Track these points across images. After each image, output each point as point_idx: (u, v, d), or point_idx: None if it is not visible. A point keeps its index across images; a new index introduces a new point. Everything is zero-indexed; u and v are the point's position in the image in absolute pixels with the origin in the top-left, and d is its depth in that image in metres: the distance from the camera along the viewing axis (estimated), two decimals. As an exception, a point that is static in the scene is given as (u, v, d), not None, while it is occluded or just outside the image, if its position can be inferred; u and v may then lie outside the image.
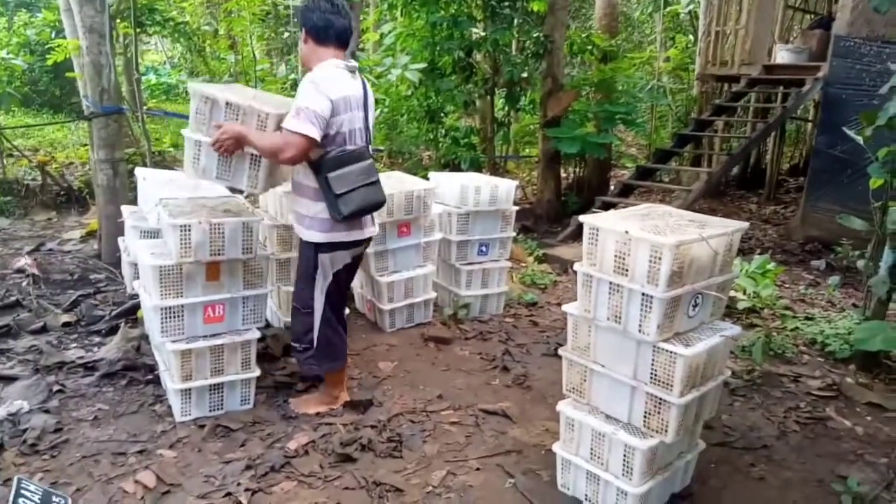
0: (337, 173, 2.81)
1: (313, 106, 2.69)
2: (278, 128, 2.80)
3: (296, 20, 3.16)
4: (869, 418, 3.39)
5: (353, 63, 2.93)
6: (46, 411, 3.06)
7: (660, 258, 2.21)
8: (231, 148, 2.79)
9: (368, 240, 3.14)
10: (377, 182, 2.95)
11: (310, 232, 2.96)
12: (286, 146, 2.71)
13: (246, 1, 7.08)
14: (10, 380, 3.32)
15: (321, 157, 2.82)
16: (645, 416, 2.42)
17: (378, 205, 2.98)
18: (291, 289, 3.78)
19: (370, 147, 3.01)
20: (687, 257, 2.28)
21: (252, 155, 2.88)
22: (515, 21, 7.03)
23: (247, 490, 2.58)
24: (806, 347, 4.25)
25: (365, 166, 2.89)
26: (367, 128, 2.95)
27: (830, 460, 3.00)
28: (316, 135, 2.71)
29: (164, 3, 8.20)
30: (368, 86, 2.99)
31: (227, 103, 2.81)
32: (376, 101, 6.69)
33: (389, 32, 7.09)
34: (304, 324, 3.07)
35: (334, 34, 2.84)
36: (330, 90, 2.74)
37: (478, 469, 2.83)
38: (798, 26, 10.31)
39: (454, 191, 4.46)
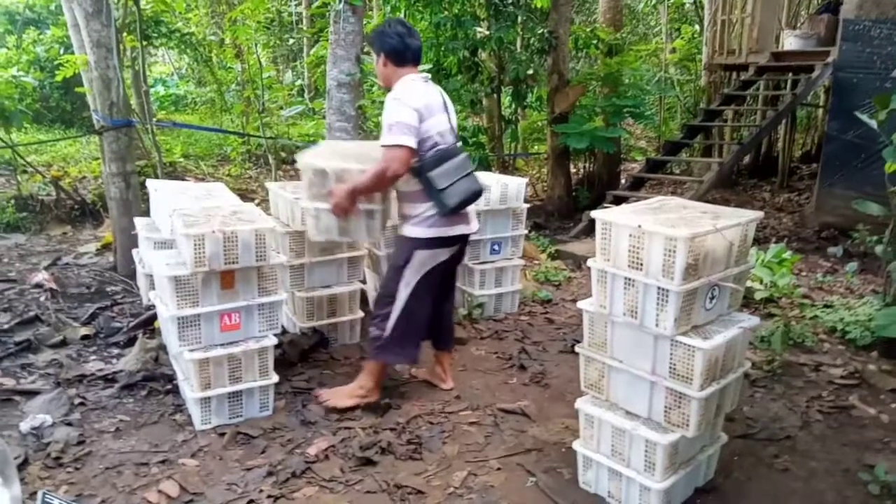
0: (437, 171, 2.99)
1: (402, 119, 2.91)
2: None
3: (370, 44, 3.31)
4: (894, 405, 3.35)
5: (427, 75, 3.16)
6: (69, 424, 3.08)
7: (674, 251, 2.20)
8: (348, 207, 3.07)
9: (467, 238, 3.26)
10: (473, 173, 3.11)
11: (414, 228, 3.10)
12: (389, 162, 2.92)
13: (250, 9, 7.12)
14: (33, 394, 3.35)
15: (420, 161, 3.01)
16: (665, 411, 2.41)
17: (478, 193, 3.12)
18: (305, 294, 3.80)
19: (458, 144, 3.20)
20: (702, 249, 2.26)
21: (366, 210, 3.16)
22: (519, 18, 7.02)
23: (269, 497, 2.59)
24: (826, 335, 4.21)
25: (460, 161, 3.07)
26: (452, 128, 3.15)
27: (856, 449, 2.96)
28: (412, 143, 2.92)
29: (169, 14, 8.27)
30: (443, 92, 3.22)
31: (333, 171, 3.10)
32: (381, 104, 6.71)
33: (394, 35, 7.09)
34: (384, 311, 3.18)
35: (411, 56, 3.09)
36: (413, 101, 2.95)
37: (498, 469, 2.82)
38: (805, 12, 10.20)
39: (464, 191, 4.44)
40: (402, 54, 3.06)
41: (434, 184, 2.98)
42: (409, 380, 3.63)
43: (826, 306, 4.62)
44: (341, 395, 3.29)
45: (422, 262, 3.11)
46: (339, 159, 3.19)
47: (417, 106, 2.95)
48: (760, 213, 2.58)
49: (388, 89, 3.13)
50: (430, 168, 2.99)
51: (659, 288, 2.27)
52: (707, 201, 3.50)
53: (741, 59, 8.06)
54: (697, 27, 11.22)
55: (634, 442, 2.46)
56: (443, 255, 3.14)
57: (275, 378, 3.20)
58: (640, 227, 2.28)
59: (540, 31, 7.10)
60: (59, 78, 6.08)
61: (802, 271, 5.56)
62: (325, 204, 3.13)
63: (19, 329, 4.13)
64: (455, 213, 3.06)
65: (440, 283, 3.25)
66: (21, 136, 8.85)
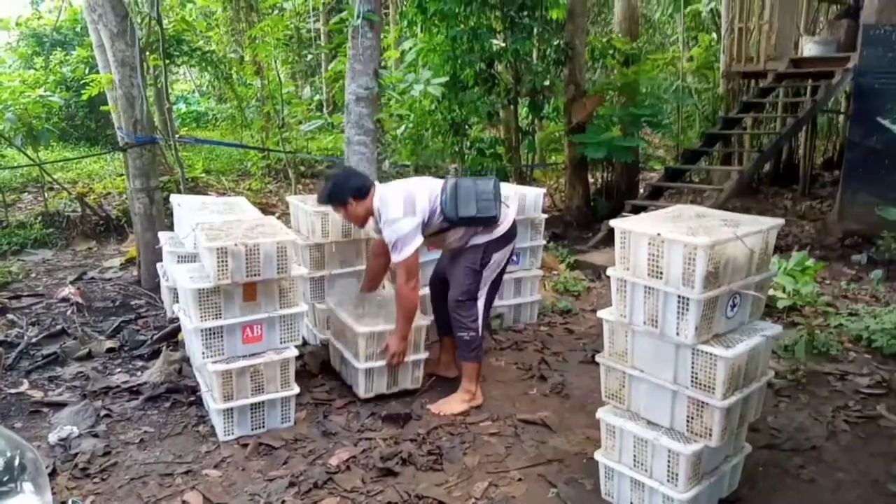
0: (460, 211, 3.24)
1: (403, 232, 3.16)
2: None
3: (332, 205, 3.55)
4: (922, 415, 3.28)
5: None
6: (95, 435, 3.13)
7: (694, 259, 2.19)
8: (405, 350, 3.41)
9: (514, 235, 3.49)
10: (475, 181, 3.36)
11: (483, 236, 3.35)
12: (410, 274, 3.22)
13: (270, 27, 7.24)
14: (60, 406, 3.41)
15: (445, 220, 3.28)
16: (688, 421, 2.39)
17: (490, 190, 3.32)
18: (324, 307, 3.83)
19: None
20: (722, 257, 2.25)
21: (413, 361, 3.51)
22: (535, 30, 7.05)
23: (291, 507, 2.61)
24: (851, 344, 4.14)
25: (453, 187, 3.30)
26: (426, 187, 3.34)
27: (884, 460, 2.91)
28: (417, 244, 3.20)
29: (190, 33, 8.43)
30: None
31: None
32: (399, 117, 6.74)
33: (410, 49, 7.16)
34: (471, 313, 3.39)
35: (363, 181, 3.35)
36: (398, 208, 3.19)
37: (520, 479, 2.82)
38: (824, 17, 10.12)
39: (482, 202, 4.46)
40: (362, 187, 3.30)
41: (470, 218, 3.25)
42: (427, 385, 3.63)
43: (851, 314, 4.55)
44: (453, 403, 3.42)
45: (498, 262, 3.43)
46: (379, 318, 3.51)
47: (405, 205, 3.20)
48: (781, 221, 2.56)
49: (363, 224, 3.44)
50: (453, 213, 3.23)
51: (679, 296, 2.26)
52: (727, 210, 3.47)
53: (759, 67, 8.01)
54: (714, 35, 11.17)
55: (657, 452, 2.44)
56: (510, 247, 3.46)
57: (296, 389, 3.22)
58: (659, 235, 2.28)
59: (556, 43, 7.13)
60: (84, 97, 6.23)
61: (826, 279, 5.48)
62: (381, 362, 3.40)
63: (47, 342, 4.22)
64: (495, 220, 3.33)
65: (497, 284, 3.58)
66: (48, 154, 9.06)
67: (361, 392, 3.43)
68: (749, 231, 2.34)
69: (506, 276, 4.47)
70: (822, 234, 6.93)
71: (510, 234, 3.45)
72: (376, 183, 3.42)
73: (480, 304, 3.43)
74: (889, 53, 6.39)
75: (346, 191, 3.29)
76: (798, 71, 7.80)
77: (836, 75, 7.07)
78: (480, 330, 3.43)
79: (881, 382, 3.61)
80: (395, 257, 3.21)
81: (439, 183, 3.37)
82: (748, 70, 8.28)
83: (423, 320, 3.55)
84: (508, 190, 4.53)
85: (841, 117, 9.95)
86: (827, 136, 10.99)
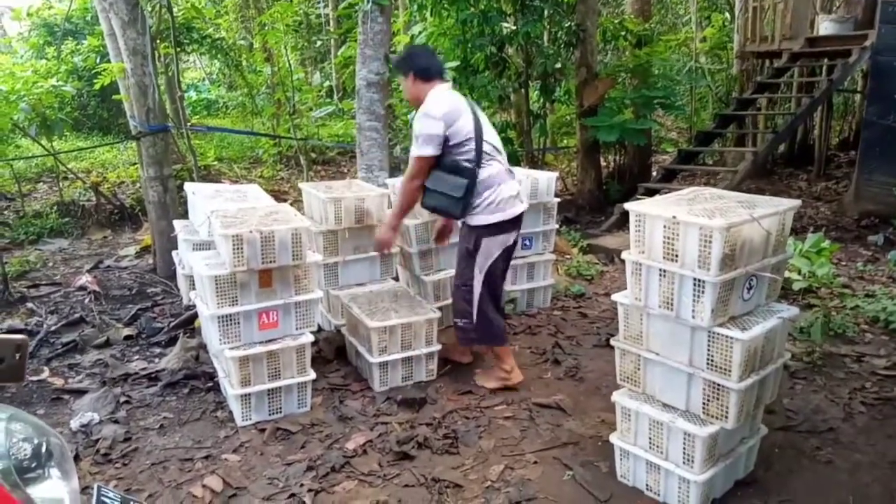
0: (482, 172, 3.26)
1: (427, 131, 3.18)
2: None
3: (397, 69, 3.56)
4: (940, 396, 3.26)
5: (448, 85, 3.40)
6: (115, 421, 3.18)
7: (710, 241, 2.18)
8: (390, 236, 3.52)
9: (520, 221, 3.40)
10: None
11: (479, 217, 3.27)
12: (414, 171, 3.27)
13: (279, 13, 7.22)
14: (80, 393, 3.47)
15: (457, 162, 3.23)
16: (704, 403, 2.39)
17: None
18: (340, 293, 3.85)
19: (485, 143, 3.30)
20: (738, 239, 2.24)
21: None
22: (546, 12, 6.97)
23: (310, 490, 2.64)
24: (868, 326, 4.11)
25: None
26: (479, 128, 3.27)
27: (901, 441, 2.90)
28: (433, 152, 3.21)
29: (200, 21, 8.43)
30: (473, 104, 3.39)
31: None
32: (411, 103, 6.70)
33: (420, 33, 7.12)
34: (466, 300, 3.38)
35: (436, 71, 3.36)
36: (438, 110, 3.18)
37: (535, 462, 2.83)
38: (841, -5, 9.93)
39: (495, 186, 4.45)
40: (428, 70, 3.32)
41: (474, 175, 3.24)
42: (447, 370, 3.65)
43: (868, 296, 4.51)
44: (488, 377, 3.53)
45: (489, 250, 3.31)
46: None
47: (444, 112, 3.17)
48: (798, 202, 2.54)
49: (417, 107, 3.36)
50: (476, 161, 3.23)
51: (695, 279, 2.25)
52: (742, 191, 3.46)
53: (774, 46, 7.89)
54: (728, 15, 11.01)
55: (672, 434, 2.44)
56: (508, 237, 3.35)
57: (312, 375, 3.25)
58: (674, 218, 2.27)
59: (567, 25, 7.05)
60: (97, 86, 6.25)
61: (842, 261, 5.43)
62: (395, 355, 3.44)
63: (65, 330, 4.28)
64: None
65: (504, 271, 3.48)
66: (61, 144, 9.12)
67: (376, 385, 3.46)
68: (765, 213, 2.32)
69: (519, 261, 4.51)
70: (837, 216, 6.86)
71: (504, 226, 3.29)
72: (449, 83, 3.43)
73: (477, 291, 3.33)
74: (908, 30, 6.28)
75: (414, 65, 3.32)
76: (814, 50, 7.68)
77: (852, 54, 6.96)
78: (475, 318, 3.36)
79: (898, 364, 3.58)
80: (413, 150, 3.25)
81: (473, 139, 3.24)
82: (763, 50, 8.17)
83: (433, 313, 3.56)
84: (521, 174, 4.52)
85: (857, 97, 9.80)
86: (842, 117, 10.83)
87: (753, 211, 2.32)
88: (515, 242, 3.47)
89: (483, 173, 3.25)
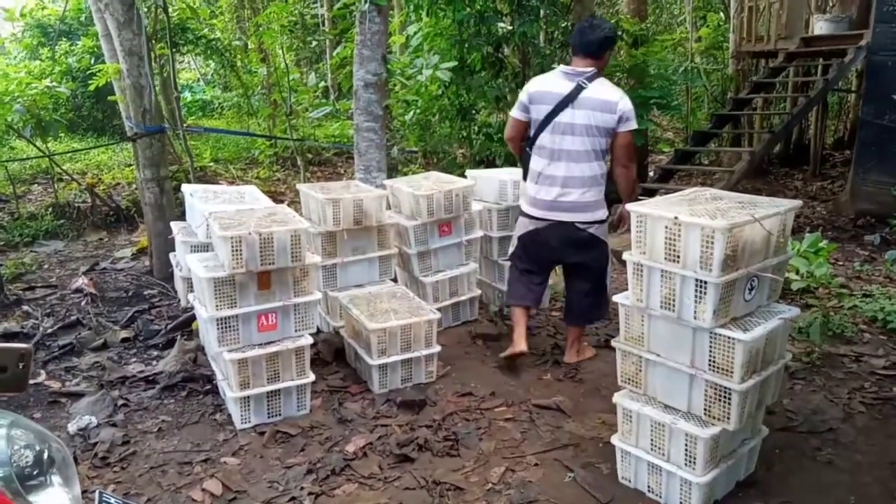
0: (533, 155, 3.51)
1: (518, 98, 3.48)
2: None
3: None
4: (939, 396, 3.27)
5: (575, 67, 3.36)
6: (113, 425, 3.16)
7: (712, 242, 2.18)
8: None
9: (555, 223, 3.52)
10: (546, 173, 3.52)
11: (601, 212, 3.49)
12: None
13: (275, 14, 7.20)
14: (78, 396, 3.44)
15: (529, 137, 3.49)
16: (705, 405, 2.38)
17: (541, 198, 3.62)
18: (339, 294, 3.83)
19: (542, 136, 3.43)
20: (740, 240, 2.24)
21: None
22: (542, 12, 6.96)
23: (310, 494, 2.63)
24: (866, 325, 4.12)
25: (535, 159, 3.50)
26: (550, 118, 3.35)
27: (901, 441, 2.90)
28: (516, 115, 3.47)
29: (195, 21, 8.40)
30: (594, 88, 3.30)
31: None
32: (407, 103, 6.69)
33: (416, 33, 7.11)
34: (601, 294, 3.65)
35: (579, 48, 3.35)
36: (528, 87, 3.44)
37: (536, 464, 2.83)
38: (835, -5, 9.96)
39: (492, 187, 4.45)
40: (573, 47, 3.39)
41: (528, 162, 3.50)
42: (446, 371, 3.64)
43: (865, 295, 4.52)
44: (573, 356, 3.77)
45: (518, 233, 3.67)
46: None
47: (529, 90, 3.41)
48: (799, 203, 2.55)
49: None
50: (530, 147, 3.47)
51: (697, 280, 2.25)
52: (738, 191, 3.46)
53: (770, 46, 7.91)
54: (723, 15, 11.03)
55: (674, 436, 2.44)
56: (526, 225, 3.56)
57: (311, 377, 3.24)
58: (676, 218, 2.26)
59: (563, 25, 7.05)
60: (91, 87, 6.21)
61: (839, 261, 5.44)
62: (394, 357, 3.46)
63: (62, 333, 4.25)
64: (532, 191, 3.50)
65: (536, 256, 3.62)
66: (56, 146, 9.07)
67: (376, 388, 3.45)
68: (767, 213, 2.32)
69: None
70: (833, 215, 6.88)
71: (528, 217, 3.54)
72: (561, 69, 3.43)
73: (507, 272, 3.84)
74: (903, 30, 6.30)
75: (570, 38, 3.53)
76: (809, 50, 7.70)
77: (848, 53, 6.97)
78: (507, 297, 3.90)
79: (897, 363, 3.59)
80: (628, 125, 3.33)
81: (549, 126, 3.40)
82: (758, 50, 8.19)
83: (432, 315, 3.55)
84: (519, 175, 4.51)
85: (852, 96, 9.83)
86: (838, 116, 10.88)
87: (755, 211, 2.31)
88: (550, 236, 3.50)
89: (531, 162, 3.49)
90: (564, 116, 3.29)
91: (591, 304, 3.63)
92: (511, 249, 3.74)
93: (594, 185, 3.39)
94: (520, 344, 3.59)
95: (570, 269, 3.66)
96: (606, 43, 3.35)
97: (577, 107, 3.27)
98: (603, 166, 3.43)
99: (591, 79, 3.30)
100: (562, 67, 3.38)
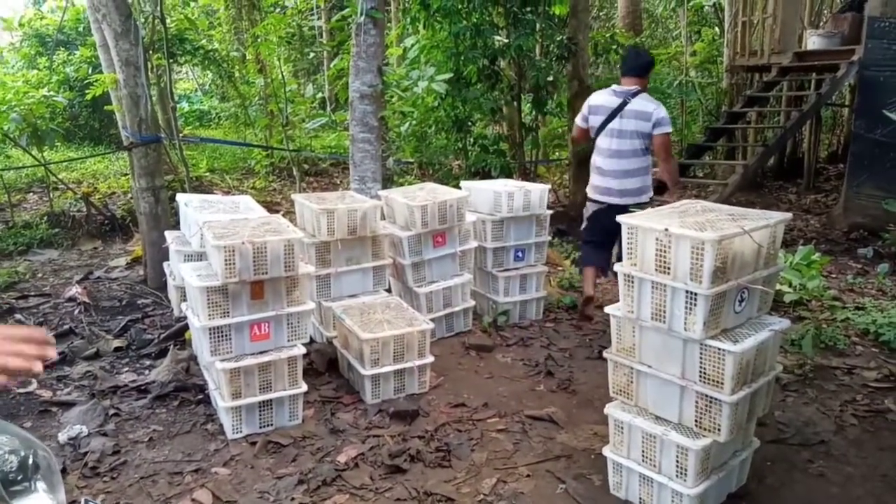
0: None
1: (581, 111, 4.43)
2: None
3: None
4: (930, 408, 3.28)
5: (623, 86, 4.23)
6: (104, 434, 3.15)
7: (702, 254, 2.19)
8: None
9: (610, 206, 4.29)
10: (603, 168, 4.39)
11: (645, 196, 4.31)
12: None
13: (272, 25, 7.24)
14: (69, 405, 3.43)
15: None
16: (696, 416, 2.39)
17: (601, 183, 4.48)
18: (332, 304, 3.83)
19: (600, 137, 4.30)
20: (730, 252, 2.25)
21: None
22: (538, 26, 7.02)
23: (301, 504, 2.62)
24: (858, 338, 4.13)
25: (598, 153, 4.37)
26: (604, 125, 4.24)
27: (893, 454, 2.90)
28: (579, 122, 4.44)
29: (193, 32, 8.44)
30: (636, 102, 4.14)
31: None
32: (403, 115, 6.75)
33: (413, 45, 7.15)
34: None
35: (625, 70, 4.29)
36: (588, 101, 4.38)
37: (528, 476, 2.82)
38: (828, 10, 10.08)
39: (487, 198, 4.48)
40: (622, 69, 4.36)
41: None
42: (438, 384, 3.64)
43: (858, 308, 4.54)
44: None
45: (585, 210, 4.49)
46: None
47: (589, 103, 4.34)
48: (788, 215, 2.56)
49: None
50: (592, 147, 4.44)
51: (687, 291, 2.26)
52: (732, 204, 3.53)
53: (763, 60, 7.98)
54: (717, 29, 11.13)
55: (665, 447, 2.44)
56: (591, 207, 4.42)
57: (304, 387, 3.23)
58: (666, 230, 2.28)
59: (559, 38, 7.11)
60: (88, 97, 6.24)
61: (832, 273, 5.47)
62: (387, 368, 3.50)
63: (54, 342, 4.22)
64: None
65: (600, 230, 4.33)
66: (52, 154, 9.08)
67: (368, 398, 3.44)
68: (757, 226, 2.33)
69: (511, 273, 4.52)
70: (827, 228, 6.92)
71: (592, 201, 4.40)
72: (611, 88, 4.30)
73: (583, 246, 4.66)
74: (894, 46, 6.37)
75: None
76: (802, 64, 7.78)
77: (840, 68, 7.04)
78: (580, 262, 4.83)
79: (889, 376, 3.60)
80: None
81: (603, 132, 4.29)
82: (752, 64, 8.26)
83: (426, 325, 3.56)
84: (513, 186, 4.54)
85: (845, 110, 9.92)
86: (831, 130, 10.96)
87: (745, 224, 2.33)
88: (607, 216, 4.03)
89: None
90: (615, 124, 4.19)
91: None
92: (583, 226, 4.54)
93: (639, 175, 4.24)
94: (589, 290, 4.46)
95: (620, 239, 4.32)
96: (648, 66, 4.32)
97: (624, 116, 4.15)
98: (646, 161, 4.25)
99: (634, 95, 4.15)
100: (613, 87, 4.28)
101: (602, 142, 4.27)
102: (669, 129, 4.15)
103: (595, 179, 4.38)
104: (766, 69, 8.14)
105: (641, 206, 4.04)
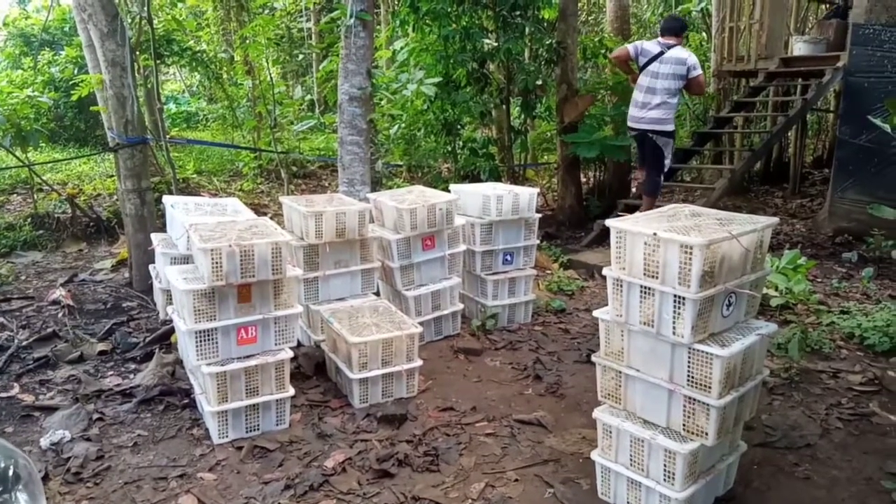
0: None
1: (633, 45, 5.91)
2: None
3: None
4: (914, 412, 3.30)
5: (663, 40, 5.70)
6: (88, 439, 3.10)
7: (690, 258, 2.19)
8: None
9: (645, 131, 5.93)
10: (641, 101, 5.91)
11: (669, 126, 5.77)
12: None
13: (261, 27, 7.20)
14: (52, 409, 3.38)
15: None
16: (684, 420, 2.39)
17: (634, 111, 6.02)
18: (320, 308, 3.81)
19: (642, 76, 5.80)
20: (718, 256, 2.26)
21: None
22: (527, 30, 7.05)
23: (287, 510, 2.60)
24: (843, 342, 4.17)
25: (640, 84, 5.87)
26: (646, 65, 5.73)
27: (878, 457, 2.93)
28: (628, 48, 5.90)
29: (180, 33, 8.38)
30: (673, 51, 5.61)
31: None
32: (392, 117, 6.76)
33: (402, 48, 7.15)
34: (661, 174, 6.09)
35: (666, 31, 5.78)
36: (638, 42, 5.96)
37: (516, 480, 2.81)
38: (813, 17, 10.19)
39: (476, 202, 4.47)
40: (663, 29, 5.84)
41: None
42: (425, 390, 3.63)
43: (843, 312, 4.58)
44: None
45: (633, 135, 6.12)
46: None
47: (638, 46, 5.81)
48: (775, 220, 2.57)
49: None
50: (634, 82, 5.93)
51: (675, 296, 2.26)
52: (719, 208, 3.53)
53: (750, 66, 8.04)
54: (705, 35, 11.22)
55: (653, 451, 2.44)
56: (630, 132, 6.13)
57: (291, 391, 3.21)
58: (655, 235, 2.28)
59: (548, 42, 7.13)
60: (74, 97, 6.17)
61: (817, 278, 5.51)
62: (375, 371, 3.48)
63: (38, 345, 4.18)
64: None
65: (642, 154, 6.13)
66: (37, 155, 8.97)
67: (356, 402, 3.43)
68: (744, 230, 2.34)
69: (500, 276, 4.51)
70: (812, 233, 6.98)
71: (630, 129, 6.03)
72: (657, 40, 5.77)
73: (665, 169, 6.08)
74: (878, 52, 6.44)
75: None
76: (788, 70, 7.84)
77: (825, 74, 7.11)
78: (661, 183, 6.38)
79: (873, 380, 3.63)
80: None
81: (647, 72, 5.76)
82: (739, 69, 8.32)
83: (414, 329, 3.54)
84: (502, 190, 4.54)
85: (830, 116, 10.02)
86: (816, 135, 11.06)
87: (732, 228, 2.34)
88: (639, 138, 6.02)
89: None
90: (654, 66, 5.62)
91: (653, 181, 6.09)
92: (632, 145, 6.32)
93: (667, 109, 5.64)
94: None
95: (648, 157, 5.98)
96: (683, 27, 5.93)
97: (664, 62, 5.58)
98: (674, 97, 5.64)
99: (671, 47, 5.62)
100: (658, 39, 5.73)
101: (643, 80, 5.65)
102: (701, 71, 5.54)
103: (631, 111, 5.83)
104: (752, 74, 8.21)
105: (665, 133, 5.69)
